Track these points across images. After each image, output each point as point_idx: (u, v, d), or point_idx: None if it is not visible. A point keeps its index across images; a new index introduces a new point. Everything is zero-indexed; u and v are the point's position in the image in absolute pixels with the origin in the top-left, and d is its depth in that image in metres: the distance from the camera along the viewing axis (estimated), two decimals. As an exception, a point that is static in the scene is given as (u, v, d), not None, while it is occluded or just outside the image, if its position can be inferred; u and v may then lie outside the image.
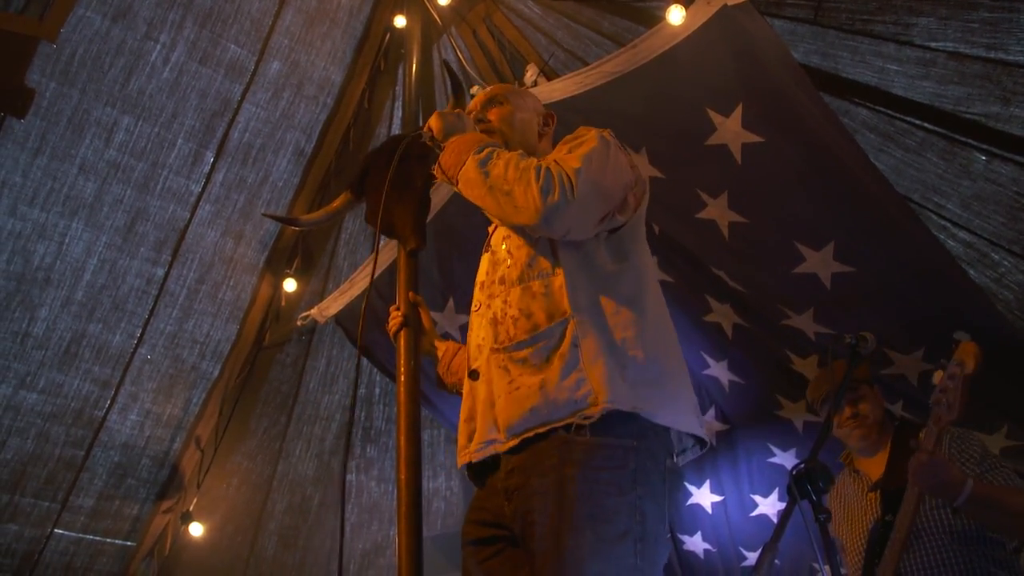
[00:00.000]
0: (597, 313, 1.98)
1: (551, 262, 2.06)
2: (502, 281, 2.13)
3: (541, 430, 1.89)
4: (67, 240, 4.54)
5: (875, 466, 3.09)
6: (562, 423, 1.87)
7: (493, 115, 2.38)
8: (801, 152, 3.33)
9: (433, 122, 2.26)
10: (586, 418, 1.86)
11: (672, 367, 2.04)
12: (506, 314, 2.06)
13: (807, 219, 3.49)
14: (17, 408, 4.60)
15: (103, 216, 4.59)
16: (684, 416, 2.00)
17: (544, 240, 2.09)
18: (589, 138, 2.09)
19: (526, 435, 1.91)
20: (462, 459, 2.09)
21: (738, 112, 3.33)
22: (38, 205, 4.43)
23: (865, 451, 3.14)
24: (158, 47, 4.48)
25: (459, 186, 2.09)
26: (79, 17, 4.20)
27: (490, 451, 1.99)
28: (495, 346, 2.05)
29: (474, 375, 2.11)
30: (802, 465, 2.61)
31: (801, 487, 2.58)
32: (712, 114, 3.38)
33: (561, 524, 1.79)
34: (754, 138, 3.36)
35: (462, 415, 2.13)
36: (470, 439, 2.06)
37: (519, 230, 2.12)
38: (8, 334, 4.51)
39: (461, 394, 2.23)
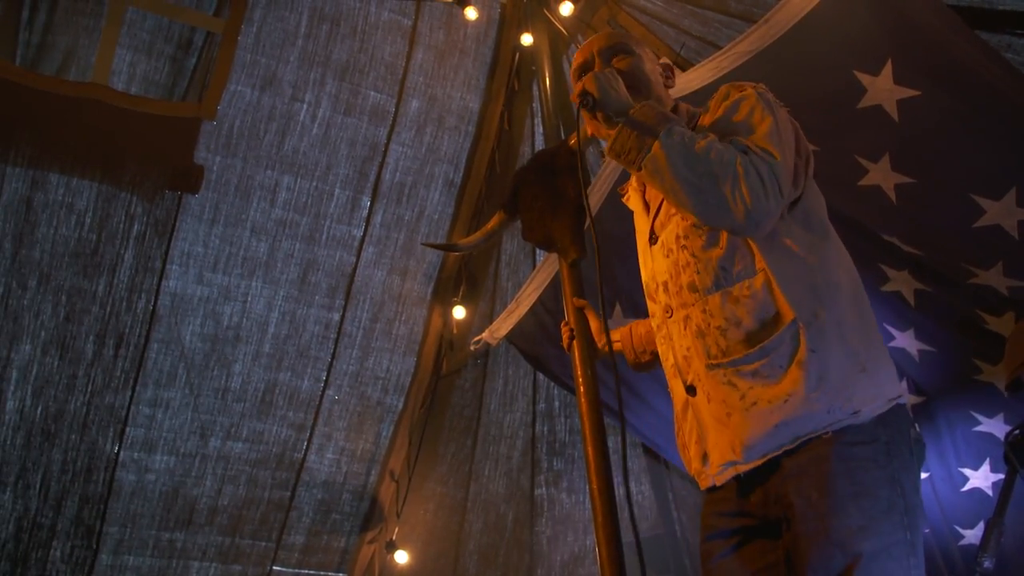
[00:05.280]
0: (818, 306, 1.82)
1: (747, 261, 1.88)
2: (693, 288, 1.95)
3: (791, 446, 1.78)
4: (249, 298, 4.86)
5: None
6: (815, 434, 1.77)
7: (623, 65, 2.13)
8: (963, 99, 3.11)
9: (589, 84, 1.97)
10: (842, 424, 1.76)
11: (880, 337, 1.94)
12: (710, 325, 1.90)
13: (981, 168, 3.25)
14: (227, 458, 4.93)
15: (278, 272, 4.89)
16: (900, 385, 1.93)
17: (732, 237, 1.90)
18: (756, 108, 1.92)
19: (773, 455, 1.80)
20: (704, 482, 1.98)
21: (888, 68, 3.15)
22: (220, 270, 4.76)
23: None
24: (304, 106, 4.75)
25: (642, 173, 1.85)
26: (231, 92, 4.50)
27: (730, 473, 1.89)
28: (710, 361, 1.90)
29: (691, 391, 1.97)
30: (1017, 431, 2.44)
31: (1020, 454, 2.41)
32: (860, 75, 3.22)
33: (822, 504, 1.70)
34: (909, 92, 3.17)
35: (686, 434, 2.02)
36: (704, 461, 1.95)
37: (699, 227, 1.94)
38: (211, 391, 4.86)
39: (661, 368, 2.11)
